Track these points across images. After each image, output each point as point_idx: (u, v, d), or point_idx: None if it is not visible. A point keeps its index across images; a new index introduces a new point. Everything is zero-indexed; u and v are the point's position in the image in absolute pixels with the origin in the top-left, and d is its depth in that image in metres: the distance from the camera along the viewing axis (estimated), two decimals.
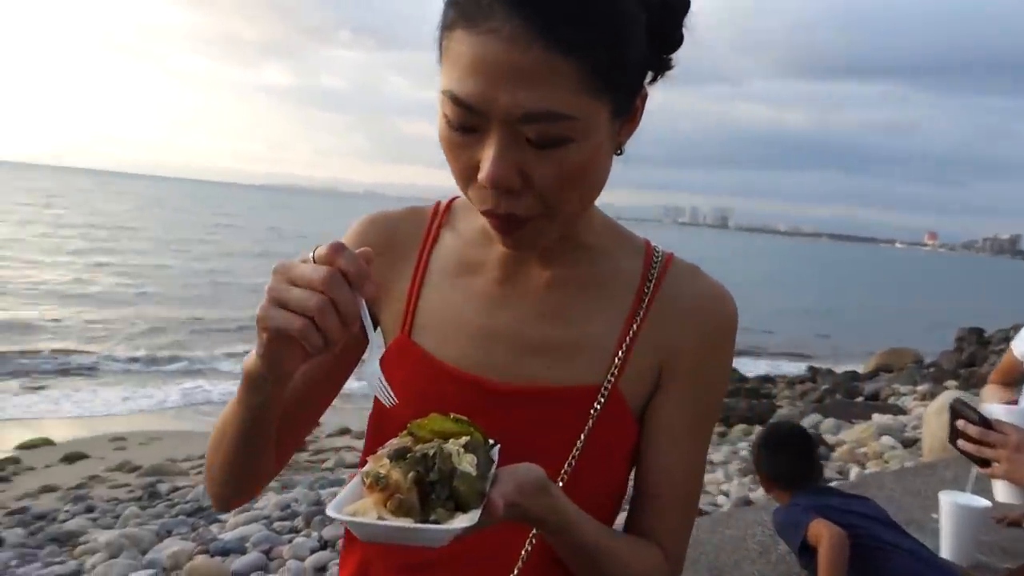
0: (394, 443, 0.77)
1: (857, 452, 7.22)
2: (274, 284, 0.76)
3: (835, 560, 2.76)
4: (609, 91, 0.81)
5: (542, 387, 0.93)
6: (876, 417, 8.53)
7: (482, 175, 0.80)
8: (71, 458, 8.59)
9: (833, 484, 4.55)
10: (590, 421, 0.92)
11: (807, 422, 9.53)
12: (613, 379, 0.93)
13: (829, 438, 7.99)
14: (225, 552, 4.75)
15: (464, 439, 0.76)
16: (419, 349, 0.98)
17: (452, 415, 0.80)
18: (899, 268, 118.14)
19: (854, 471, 6.33)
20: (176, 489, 7.15)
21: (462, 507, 0.72)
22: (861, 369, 17.13)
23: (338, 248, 0.75)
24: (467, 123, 0.81)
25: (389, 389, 0.83)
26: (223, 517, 5.89)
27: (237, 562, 4.54)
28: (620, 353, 0.94)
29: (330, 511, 0.72)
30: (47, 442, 9.26)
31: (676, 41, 0.89)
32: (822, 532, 2.84)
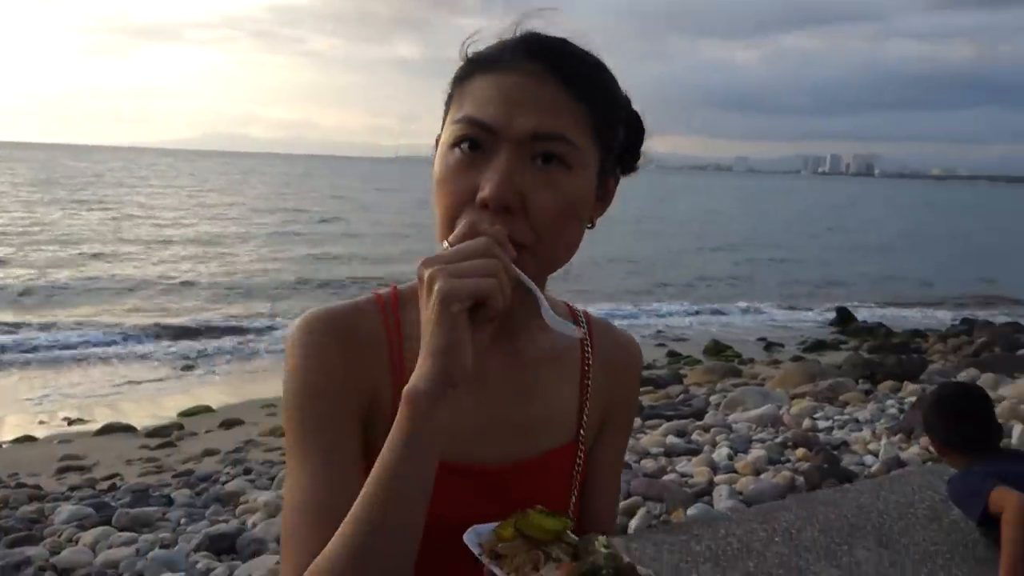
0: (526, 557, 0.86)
1: (1020, 409, 6.74)
2: (441, 266, 0.81)
3: (1021, 529, 2.59)
4: (602, 146, 0.94)
5: (531, 460, 1.04)
6: None
7: (485, 191, 0.87)
8: (228, 424, 9.18)
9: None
10: (575, 473, 1.08)
11: (962, 377, 8.99)
12: (583, 434, 1.09)
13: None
14: None
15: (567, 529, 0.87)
16: None
17: (539, 507, 0.88)
18: None
19: (1017, 429, 5.91)
20: None
21: None
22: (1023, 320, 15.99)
23: (473, 224, 0.85)
24: (477, 141, 0.90)
25: (571, 325, 0.94)
26: None
27: None
28: (584, 414, 1.09)
29: None
30: (207, 409, 9.94)
31: (637, 157, 1.04)
32: (1006, 500, 2.67)
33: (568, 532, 0.88)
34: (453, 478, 0.96)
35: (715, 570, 2.78)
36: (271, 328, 15.13)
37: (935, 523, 3.28)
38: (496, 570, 0.84)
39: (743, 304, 20.14)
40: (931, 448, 5.80)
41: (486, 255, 0.81)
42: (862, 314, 18.31)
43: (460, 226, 0.85)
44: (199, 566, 4.21)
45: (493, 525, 0.89)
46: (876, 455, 5.84)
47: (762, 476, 5.38)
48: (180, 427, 9.05)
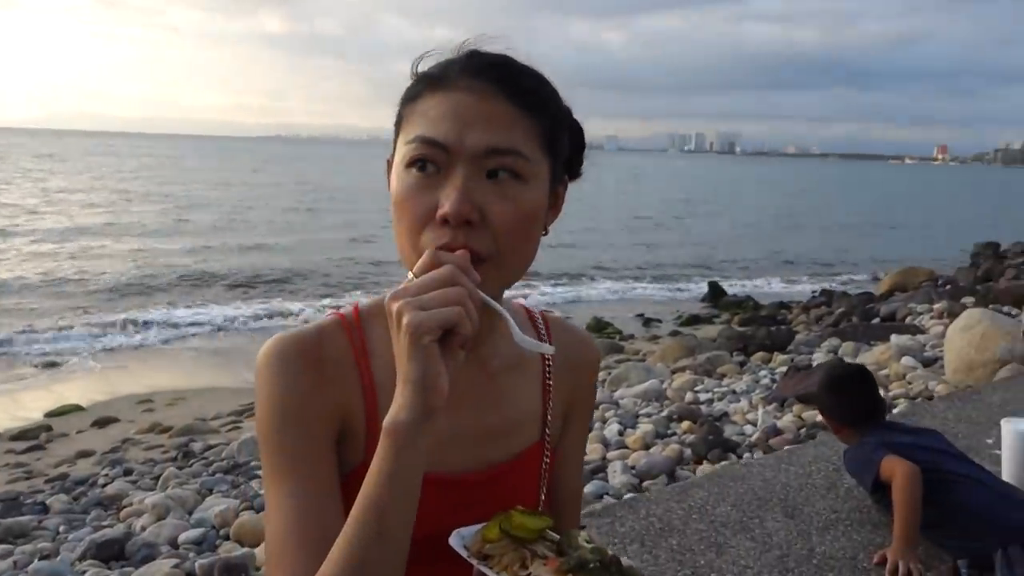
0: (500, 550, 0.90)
1: (879, 375, 7.26)
2: (407, 300, 0.83)
3: (910, 494, 2.81)
4: (552, 156, 0.98)
5: (501, 465, 1.08)
6: (895, 338, 8.55)
7: (445, 208, 0.89)
8: (102, 423, 8.73)
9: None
10: (543, 471, 1.14)
11: (825, 347, 9.59)
12: (548, 433, 1.14)
13: (845, 360, 8.03)
14: None
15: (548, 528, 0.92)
16: None
17: (519, 508, 0.93)
18: (909, 184, 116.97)
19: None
20: (210, 447, 7.28)
21: None
22: (875, 291, 17.15)
23: (435, 255, 0.86)
24: (432, 160, 0.92)
25: (543, 344, 0.98)
26: (261, 472, 6.01)
27: None
28: (548, 413, 1.14)
29: None
30: (77, 408, 9.42)
31: (580, 162, 1.08)
32: (895, 468, 2.89)
33: (548, 530, 0.92)
34: (430, 489, 0.97)
35: (642, 550, 2.89)
36: (131, 322, 14.45)
37: (832, 492, 3.52)
38: (486, 570, 0.87)
39: (618, 284, 20.71)
40: (802, 416, 6.22)
41: (450, 283, 0.83)
42: (732, 288, 19.19)
43: (424, 256, 0.87)
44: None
45: (477, 528, 0.93)
46: (755, 424, 6.18)
47: (652, 450, 5.60)
48: (48, 428, 8.53)
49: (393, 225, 0.97)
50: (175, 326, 14.58)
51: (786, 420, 6.13)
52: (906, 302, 13.23)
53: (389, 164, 1.02)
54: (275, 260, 21.98)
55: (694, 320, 15.26)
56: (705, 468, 5.15)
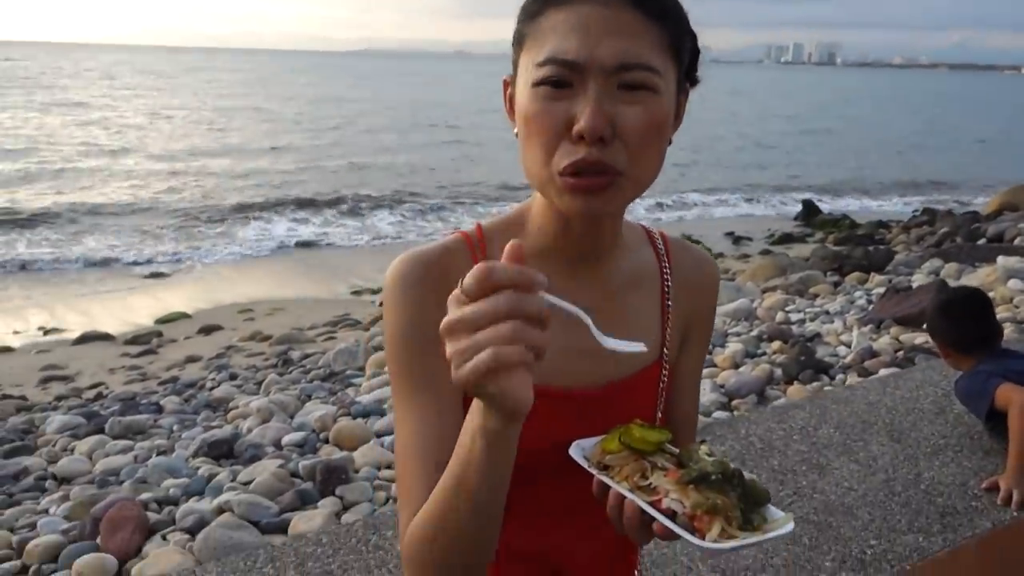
0: (614, 460, 0.93)
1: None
2: (456, 349, 0.72)
3: None
4: (678, 62, 0.97)
5: (622, 381, 1.10)
6: (1001, 260, 8.16)
7: (581, 124, 0.89)
8: (207, 330, 9.20)
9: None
10: (661, 390, 1.15)
11: (926, 268, 9.25)
12: (666, 352, 1.15)
13: (952, 284, 7.73)
14: (365, 414, 5.07)
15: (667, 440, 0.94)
16: None
17: (637, 421, 0.96)
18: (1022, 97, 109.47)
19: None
20: (307, 356, 7.59)
21: (758, 505, 0.88)
22: (983, 210, 16.33)
23: (486, 272, 0.72)
24: (564, 79, 0.91)
25: (629, 343, 0.87)
26: (357, 380, 6.26)
27: (378, 423, 4.84)
28: (667, 333, 1.15)
29: (708, 544, 0.82)
30: (184, 315, 9.92)
31: (695, 69, 1.05)
32: (1011, 396, 2.82)
33: (667, 444, 0.94)
34: (552, 403, 1.01)
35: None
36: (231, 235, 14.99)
37: (941, 417, 3.44)
38: (607, 480, 0.89)
39: (709, 197, 20.29)
40: (900, 338, 6.06)
41: (504, 317, 0.71)
42: (825, 206, 18.57)
43: (473, 272, 0.73)
44: (201, 471, 4.30)
45: (597, 439, 0.96)
46: (849, 346, 6.06)
47: (741, 369, 5.57)
48: (159, 334, 9.05)
49: (520, 144, 0.97)
50: (273, 239, 15.10)
51: (882, 342, 5.99)
52: (1016, 222, 12.57)
53: (506, 84, 1.01)
54: (376, 178, 22.18)
55: (786, 239, 14.89)
56: (796, 389, 5.11)
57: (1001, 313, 6.52)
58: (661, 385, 1.15)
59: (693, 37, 1.02)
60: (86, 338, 8.83)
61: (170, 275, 12.49)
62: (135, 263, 13.17)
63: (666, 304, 1.15)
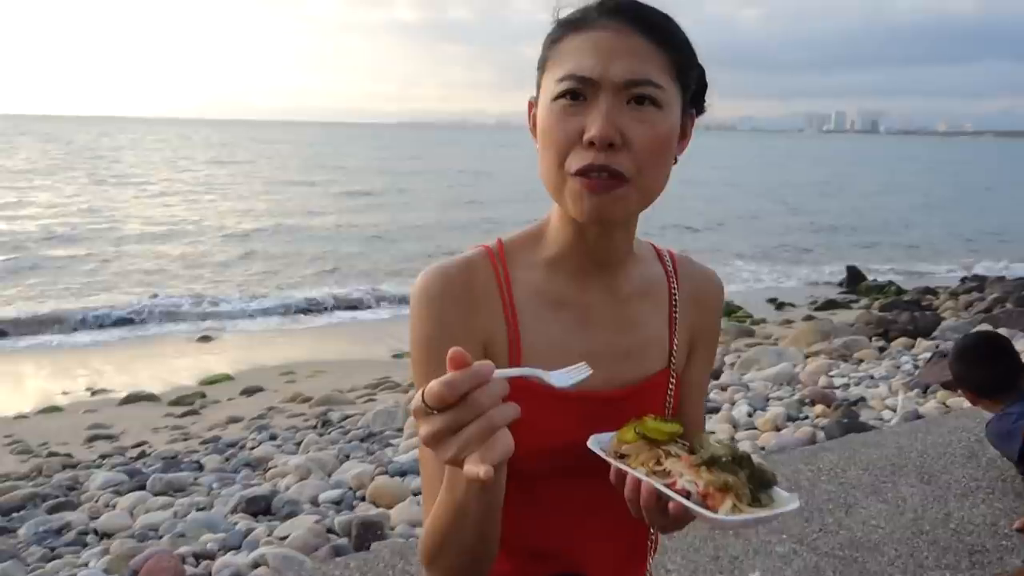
0: (630, 448, 0.99)
1: None
2: (447, 452, 0.77)
3: None
4: (683, 87, 1.07)
5: (631, 387, 1.17)
6: None
7: (592, 131, 0.99)
8: (249, 391, 9.31)
9: None
10: (668, 397, 1.21)
11: None
12: (674, 362, 1.22)
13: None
14: (402, 473, 5.07)
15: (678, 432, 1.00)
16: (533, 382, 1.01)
17: (650, 415, 1.04)
18: None
19: None
20: (347, 417, 7.63)
21: (766, 486, 0.93)
22: None
23: (448, 387, 0.75)
24: (579, 91, 1.02)
25: (574, 370, 0.95)
26: (395, 441, 6.26)
27: (415, 481, 4.83)
28: (674, 342, 1.22)
29: (721, 516, 0.87)
30: (227, 377, 10.07)
31: (704, 100, 1.16)
32: None
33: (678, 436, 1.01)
34: (567, 404, 1.07)
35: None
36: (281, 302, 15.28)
37: (973, 461, 3.39)
38: (623, 467, 0.95)
39: (752, 265, 20.17)
40: (947, 404, 5.91)
41: (472, 414, 0.76)
42: (871, 273, 18.34)
43: (435, 393, 0.75)
44: (238, 526, 4.32)
45: (612, 434, 1.03)
46: (894, 410, 5.92)
47: (783, 432, 5.47)
48: (202, 395, 9.18)
49: (539, 154, 1.07)
50: (316, 303, 15.33)
51: (928, 406, 5.85)
52: None
53: (530, 105, 1.12)
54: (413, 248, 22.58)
55: (830, 304, 14.70)
56: None
57: None
58: (669, 392, 1.22)
59: (701, 70, 1.12)
60: (131, 399, 9.00)
61: (215, 338, 12.72)
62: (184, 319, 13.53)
63: (673, 316, 1.24)
